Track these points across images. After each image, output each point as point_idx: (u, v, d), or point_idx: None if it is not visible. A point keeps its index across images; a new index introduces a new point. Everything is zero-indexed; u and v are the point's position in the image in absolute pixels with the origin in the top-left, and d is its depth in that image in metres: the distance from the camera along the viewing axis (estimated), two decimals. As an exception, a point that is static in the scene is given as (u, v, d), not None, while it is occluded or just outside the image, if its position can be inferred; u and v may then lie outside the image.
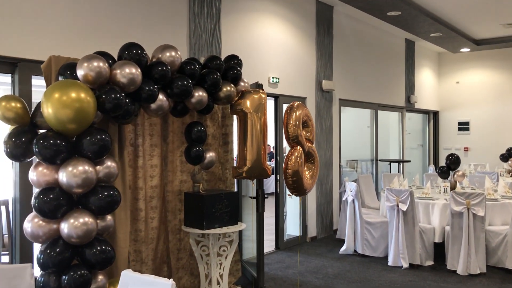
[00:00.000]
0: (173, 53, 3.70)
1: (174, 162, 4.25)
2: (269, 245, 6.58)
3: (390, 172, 8.86)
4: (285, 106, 6.07)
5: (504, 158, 8.85)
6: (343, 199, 6.50)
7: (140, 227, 3.94)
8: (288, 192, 4.68)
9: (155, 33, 4.72)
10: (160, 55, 3.67)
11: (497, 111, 10.83)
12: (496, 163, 9.38)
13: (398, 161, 9.12)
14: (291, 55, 6.69)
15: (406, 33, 9.26)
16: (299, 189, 4.34)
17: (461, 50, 10.81)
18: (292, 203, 6.96)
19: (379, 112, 9.12)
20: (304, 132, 4.35)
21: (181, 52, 4.84)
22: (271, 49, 6.31)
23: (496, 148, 9.88)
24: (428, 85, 11.20)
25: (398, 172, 9.27)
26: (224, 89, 4.09)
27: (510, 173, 8.59)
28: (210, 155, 4.12)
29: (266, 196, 4.59)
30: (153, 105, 3.58)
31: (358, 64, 8.42)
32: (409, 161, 9.62)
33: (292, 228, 7.04)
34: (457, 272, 5.19)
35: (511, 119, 10.63)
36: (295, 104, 4.35)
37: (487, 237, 5.38)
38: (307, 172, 4.33)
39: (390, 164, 9.06)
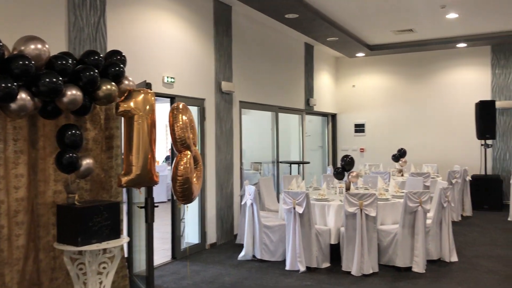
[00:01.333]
0: (39, 46, 3.24)
1: (46, 170, 3.74)
2: (165, 255, 6.21)
3: (290, 174, 8.91)
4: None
5: (396, 158, 9.31)
6: (242, 203, 6.34)
7: (1, 246, 3.40)
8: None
9: (24, 24, 4.15)
10: (22, 48, 3.19)
11: (390, 114, 11.45)
12: (389, 163, 9.86)
13: (298, 163, 9.21)
14: (188, 55, 6.39)
15: (305, 37, 9.40)
16: (188, 197, 4.06)
17: (357, 55, 11.27)
18: (191, 209, 6.66)
19: (280, 114, 9.15)
20: (191, 135, 4.08)
21: (59, 46, 4.34)
22: (165, 47, 5.96)
23: (389, 149, 10.40)
24: (327, 89, 11.53)
25: (298, 173, 9.36)
26: (104, 87, 3.69)
27: (401, 173, 9.06)
28: (87, 162, 3.69)
29: (156, 205, 4.25)
30: (13, 105, 3.09)
31: (259, 66, 8.35)
32: (308, 163, 9.78)
33: (192, 235, 6.74)
34: (351, 273, 5.25)
35: (402, 121, 11.28)
36: (181, 105, 4.06)
37: (379, 236, 5.52)
38: (195, 179, 4.07)
39: (290, 166, 9.12)
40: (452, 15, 8.14)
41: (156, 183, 3.98)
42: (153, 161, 3.95)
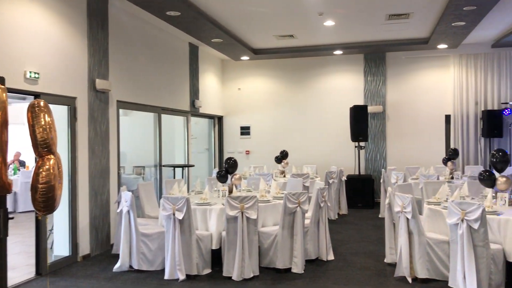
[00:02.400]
0: None
1: None
2: (29, 271, 5.54)
3: (174, 178, 8.61)
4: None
5: (278, 160, 9.51)
6: (118, 210, 5.91)
7: None
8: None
9: None
10: None
11: (274, 117, 11.71)
12: (273, 165, 10.05)
13: (182, 166, 8.94)
14: (56, 49, 5.79)
15: (189, 36, 9.17)
16: (51, 207, 3.61)
17: (242, 58, 11.33)
18: (60, 219, 6.04)
19: (164, 116, 8.80)
20: (54, 137, 3.63)
21: None
22: (28, 40, 5.32)
23: (273, 151, 10.62)
24: (213, 91, 11.43)
25: (183, 177, 9.09)
26: None
27: (283, 174, 9.27)
28: None
29: (11, 216, 3.71)
30: None
31: (140, 65, 7.94)
32: (192, 166, 9.56)
33: (62, 248, 6.12)
34: (232, 278, 5.14)
35: (285, 124, 11.60)
36: (42, 103, 3.60)
37: (260, 238, 5.50)
38: (57, 185, 3.62)
39: (174, 170, 8.82)
40: (329, 23, 8.52)
41: (8, 191, 3.46)
42: (4, 166, 3.42)
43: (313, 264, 5.73)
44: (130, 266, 5.60)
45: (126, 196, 5.63)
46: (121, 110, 7.39)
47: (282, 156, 9.55)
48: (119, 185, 7.10)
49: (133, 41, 7.72)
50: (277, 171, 9.43)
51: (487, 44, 10.33)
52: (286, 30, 9.16)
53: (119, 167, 7.23)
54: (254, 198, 5.25)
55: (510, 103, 10.12)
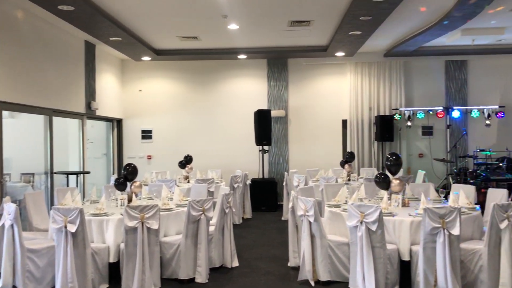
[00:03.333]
0: None
1: None
2: None
3: (68, 186, 7.96)
4: None
5: (182, 165, 9.23)
6: (0, 224, 5.25)
7: None
8: None
9: None
10: None
11: (178, 120, 11.40)
12: (177, 170, 9.74)
13: (76, 173, 8.31)
14: None
15: (85, 34, 8.56)
16: None
17: (143, 58, 10.88)
18: None
19: (55, 118, 8.11)
20: None
21: None
22: None
23: (177, 155, 10.29)
24: (111, 92, 10.82)
25: (77, 185, 8.45)
26: None
27: (187, 179, 9.02)
28: None
29: None
30: None
31: (28, 63, 7.22)
32: (88, 172, 8.94)
33: None
34: (132, 292, 4.81)
35: (190, 127, 11.36)
36: None
37: (162, 249, 5.23)
38: None
39: (67, 177, 8.15)
40: (233, 26, 8.48)
41: None
42: None
43: (217, 272, 5.58)
44: (14, 286, 5.00)
45: (9, 208, 5.02)
46: (5, 112, 6.64)
47: (186, 161, 9.29)
48: (2, 195, 6.36)
49: (20, 36, 7.00)
50: (181, 177, 9.15)
51: (380, 53, 11.02)
52: (189, 31, 8.95)
53: (2, 175, 6.49)
54: (156, 207, 4.97)
55: (400, 109, 10.88)
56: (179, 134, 11.37)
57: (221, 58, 11.07)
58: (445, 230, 4.38)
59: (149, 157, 11.38)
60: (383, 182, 5.63)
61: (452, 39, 9.28)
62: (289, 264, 5.76)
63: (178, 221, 5.57)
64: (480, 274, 4.61)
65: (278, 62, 11.24)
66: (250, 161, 11.02)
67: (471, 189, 6.10)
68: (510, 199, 5.65)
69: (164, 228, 5.40)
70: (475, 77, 11.02)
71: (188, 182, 8.90)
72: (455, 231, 4.38)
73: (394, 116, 10.75)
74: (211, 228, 5.62)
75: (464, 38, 9.17)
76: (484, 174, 8.85)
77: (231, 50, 10.56)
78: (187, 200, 5.92)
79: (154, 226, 4.93)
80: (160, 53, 10.60)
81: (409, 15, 7.84)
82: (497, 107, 10.70)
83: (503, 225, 4.59)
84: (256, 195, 9.97)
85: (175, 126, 11.41)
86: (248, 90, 11.36)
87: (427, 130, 11.06)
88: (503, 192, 5.72)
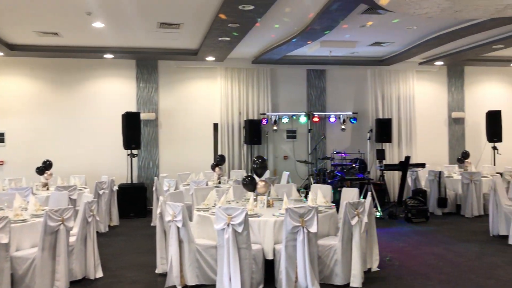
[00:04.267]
0: None
1: None
2: None
3: None
4: None
5: (40, 171, 8.46)
6: None
7: None
8: None
9: None
10: None
11: (36, 122, 10.45)
12: (35, 177, 8.89)
13: None
14: None
15: None
16: None
17: (-6, 53, 9.78)
18: None
19: None
20: None
21: None
22: None
23: (34, 161, 9.41)
24: (-46, 89, 9.52)
25: None
26: None
27: (46, 187, 8.31)
28: None
29: None
30: None
31: None
32: None
33: None
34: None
35: (50, 130, 10.50)
36: None
37: (14, 264, 4.75)
38: None
39: None
40: (98, 24, 8.04)
41: None
42: None
43: (79, 285, 5.24)
44: None
45: None
46: None
47: (45, 167, 8.54)
48: None
49: None
50: (38, 184, 8.39)
51: (249, 60, 11.40)
52: (49, 26, 8.27)
53: None
54: (5, 219, 4.49)
55: (267, 113, 11.39)
56: (38, 137, 10.43)
57: (85, 56, 10.43)
58: (304, 228, 4.69)
59: (1, 163, 10.25)
60: (249, 184, 5.83)
61: (313, 49, 10.00)
62: (156, 271, 5.64)
63: (34, 233, 5.11)
64: (335, 267, 5.03)
65: (148, 64, 10.98)
66: (118, 166, 10.56)
67: (327, 189, 6.62)
68: (368, 195, 6.24)
69: (16, 241, 4.90)
70: (332, 86, 12.00)
71: (48, 189, 8.20)
72: (313, 229, 4.72)
73: (262, 121, 11.21)
74: (72, 239, 5.26)
75: (323, 49, 9.96)
76: (339, 174, 9.68)
77: (96, 49, 10.02)
78: (44, 210, 5.46)
79: (3, 240, 4.46)
80: (14, 48, 9.62)
81: (275, 25, 8.25)
82: (351, 113, 11.80)
83: (354, 221, 5.07)
84: (124, 201, 9.59)
85: (33, 129, 10.43)
86: (116, 92, 10.89)
87: (291, 134, 11.74)
88: (355, 191, 6.33)
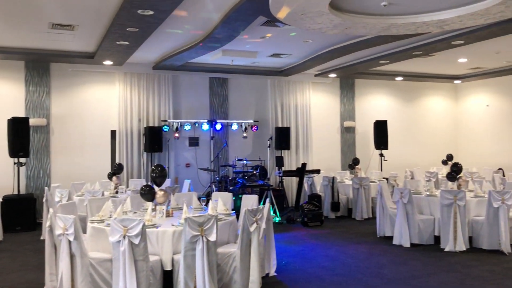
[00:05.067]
0: None
1: None
2: None
3: None
4: None
5: None
6: None
7: None
8: None
9: None
10: None
11: None
12: None
13: None
14: None
15: None
16: None
17: None
18: None
19: None
20: None
21: None
22: None
23: None
24: None
25: None
26: None
27: None
28: None
29: None
30: None
31: None
32: None
33: None
34: None
35: None
36: None
37: None
38: None
39: None
40: (-21, 21, 7.35)
41: None
42: None
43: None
44: None
45: None
46: None
47: None
48: None
49: None
50: None
51: (149, 66, 11.15)
52: None
53: None
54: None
55: (169, 120, 11.22)
56: None
57: (-36, 55, 9.47)
58: (204, 237, 4.68)
59: None
60: (148, 194, 5.68)
61: (215, 58, 10.08)
62: (45, 289, 5.26)
63: None
64: (234, 274, 5.08)
65: (38, 66, 10.23)
66: (3, 176, 9.67)
67: (228, 196, 6.69)
68: (267, 201, 6.38)
69: None
70: (234, 94, 12.18)
71: None
72: (212, 237, 4.73)
73: (163, 128, 11.01)
74: None
75: (224, 58, 10.08)
76: (241, 181, 9.83)
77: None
78: None
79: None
80: None
81: (176, 31, 8.17)
82: (252, 121, 12.06)
83: (252, 228, 5.17)
84: (9, 214, 8.80)
85: None
86: (1, 95, 10.00)
87: (194, 142, 11.68)
88: (254, 197, 6.47)
